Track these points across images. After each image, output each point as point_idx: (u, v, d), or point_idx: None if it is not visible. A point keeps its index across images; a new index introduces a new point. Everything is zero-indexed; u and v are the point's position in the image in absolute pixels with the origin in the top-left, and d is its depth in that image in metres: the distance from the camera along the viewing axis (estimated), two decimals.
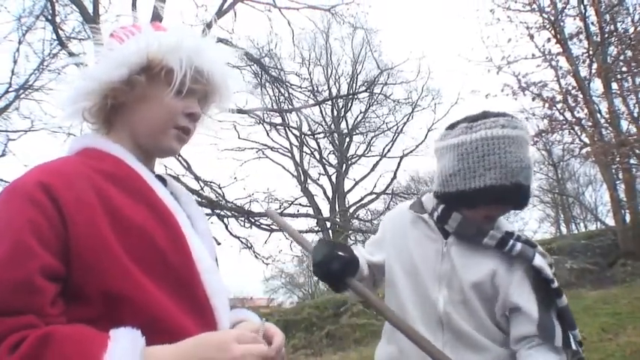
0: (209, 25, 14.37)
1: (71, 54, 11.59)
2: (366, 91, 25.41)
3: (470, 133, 1.40)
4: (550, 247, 9.91)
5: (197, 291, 0.95)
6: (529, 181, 1.40)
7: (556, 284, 1.38)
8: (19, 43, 22.11)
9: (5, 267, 0.78)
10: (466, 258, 1.44)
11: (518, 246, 1.41)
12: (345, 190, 30.79)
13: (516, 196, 1.41)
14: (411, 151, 29.72)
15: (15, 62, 23.09)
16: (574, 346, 1.36)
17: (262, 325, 0.98)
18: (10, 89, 24.89)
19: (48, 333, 0.76)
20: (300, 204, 31.05)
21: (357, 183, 30.81)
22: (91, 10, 12.50)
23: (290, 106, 17.66)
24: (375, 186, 30.50)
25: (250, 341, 0.88)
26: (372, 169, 30.32)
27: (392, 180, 30.07)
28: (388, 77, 28.50)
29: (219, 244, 13.63)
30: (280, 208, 13.76)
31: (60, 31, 14.00)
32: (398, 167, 30.02)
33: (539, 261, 1.37)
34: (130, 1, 12.79)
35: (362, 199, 31.24)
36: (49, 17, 10.45)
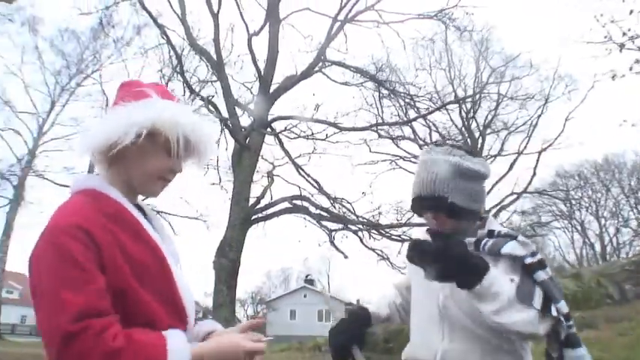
0: (321, 52, 15.07)
1: (202, 98, 12.95)
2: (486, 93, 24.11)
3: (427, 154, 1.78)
4: None
5: (176, 300, 1.29)
6: (437, 193, 1.62)
7: (533, 259, 1.52)
8: None
9: (82, 281, 1.08)
10: None
11: (489, 243, 1.59)
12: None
13: (436, 206, 1.65)
14: (550, 145, 28.09)
15: None
16: (554, 313, 1.46)
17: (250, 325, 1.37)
18: None
19: (130, 332, 1.09)
20: None
21: (495, 184, 29.60)
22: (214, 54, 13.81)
23: (417, 114, 17.61)
24: (515, 185, 29.18)
25: (251, 339, 1.25)
26: (510, 168, 28.97)
27: (532, 177, 28.54)
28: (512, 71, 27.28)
29: (346, 257, 14.10)
30: (403, 219, 13.71)
31: (193, 76, 15.69)
32: (537, 163, 28.52)
33: (508, 248, 1.52)
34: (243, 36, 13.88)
35: (502, 200, 30.08)
36: (178, 70, 11.73)
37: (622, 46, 10.11)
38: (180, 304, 1.29)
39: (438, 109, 16.98)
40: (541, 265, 1.53)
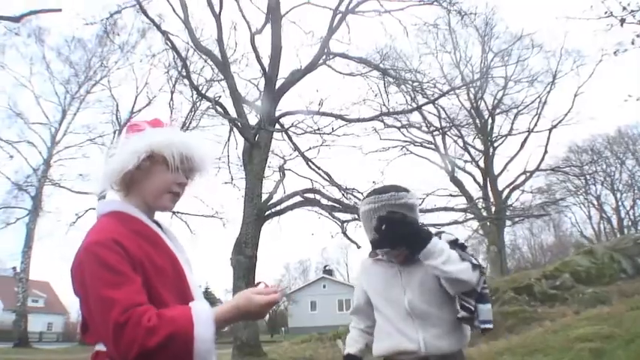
0: (324, 45, 15.18)
1: (209, 99, 13.15)
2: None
3: (362, 207, 2.20)
4: None
5: (188, 297, 1.49)
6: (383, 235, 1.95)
7: (462, 241, 2.09)
8: (172, 93, 25.19)
9: (123, 281, 1.31)
10: (412, 271, 2.14)
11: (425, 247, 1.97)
12: (496, 173, 29.68)
13: (387, 244, 2.03)
14: (560, 121, 27.90)
15: (171, 110, 26.26)
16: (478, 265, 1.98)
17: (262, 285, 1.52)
18: None
19: (161, 311, 1.29)
20: (450, 194, 30.77)
21: (507, 164, 29.53)
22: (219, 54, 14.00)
23: (425, 99, 17.61)
24: (527, 164, 29.11)
25: (264, 292, 1.44)
26: (521, 147, 28.85)
27: (543, 155, 28.41)
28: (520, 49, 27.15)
29: (358, 247, 14.29)
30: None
31: (200, 76, 15.88)
32: (548, 141, 28.44)
33: (432, 243, 1.91)
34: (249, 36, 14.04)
35: (515, 180, 29.93)
36: (184, 74, 11.93)
37: (622, 20, 10.11)
38: (192, 300, 1.50)
39: (444, 94, 16.99)
40: (464, 245, 2.09)
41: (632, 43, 9.88)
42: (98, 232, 1.41)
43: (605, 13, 10.18)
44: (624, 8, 9.95)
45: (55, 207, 36.96)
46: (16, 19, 10.53)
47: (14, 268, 31.45)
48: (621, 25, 10.02)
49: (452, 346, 2.06)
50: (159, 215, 1.65)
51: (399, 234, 1.90)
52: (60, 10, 10.30)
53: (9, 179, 28.02)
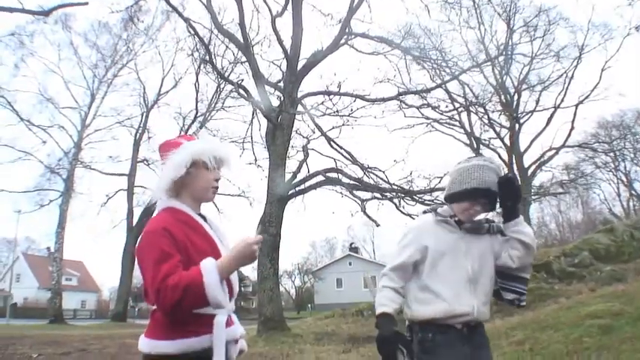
0: (344, 25, 15.22)
1: (232, 83, 13.43)
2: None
3: (465, 162, 2.40)
4: None
5: None
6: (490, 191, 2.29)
7: None
8: (197, 74, 25.55)
9: (166, 258, 1.71)
10: (472, 240, 2.35)
11: (494, 225, 2.38)
12: (522, 150, 29.42)
13: (485, 197, 2.29)
14: (586, 97, 27.41)
15: (197, 91, 26.63)
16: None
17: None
18: (198, 115, 28.78)
19: (180, 272, 1.68)
20: None
21: (533, 140, 29.20)
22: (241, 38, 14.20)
23: (450, 76, 17.55)
24: (553, 140, 28.77)
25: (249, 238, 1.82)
26: (547, 124, 28.47)
27: (570, 130, 27.99)
28: (549, 23, 26.63)
29: (378, 225, 14.57)
30: (430, 184, 13.95)
31: (223, 59, 16.10)
32: (574, 116, 27.96)
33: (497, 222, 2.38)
34: (270, 21, 14.20)
35: (542, 155, 29.58)
36: (207, 59, 12.19)
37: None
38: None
39: (465, 71, 16.92)
40: None
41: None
42: (154, 222, 1.86)
43: None
44: None
45: (86, 188, 37.91)
46: (45, 13, 10.92)
47: (48, 248, 32.70)
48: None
49: (488, 315, 2.34)
50: (205, 208, 2.10)
51: (518, 194, 2.30)
52: (87, 3, 10.58)
53: (42, 163, 29.11)
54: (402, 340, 2.21)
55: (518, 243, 2.29)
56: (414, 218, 15.90)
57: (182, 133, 26.57)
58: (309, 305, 46.84)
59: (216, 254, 1.86)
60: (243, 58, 16.28)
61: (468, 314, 2.22)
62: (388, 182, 14.96)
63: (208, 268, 1.68)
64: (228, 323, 1.89)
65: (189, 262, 1.76)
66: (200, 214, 2.02)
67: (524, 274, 2.38)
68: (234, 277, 1.97)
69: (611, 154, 33.47)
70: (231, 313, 1.96)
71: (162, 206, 1.98)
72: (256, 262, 13.62)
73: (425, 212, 2.53)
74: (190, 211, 1.96)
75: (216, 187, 2.04)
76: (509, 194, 2.30)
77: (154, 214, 1.97)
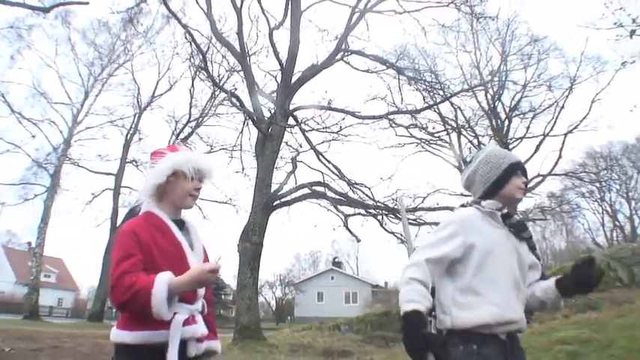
0: (341, 41, 15.43)
1: (226, 92, 13.57)
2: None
3: (481, 153, 2.27)
4: None
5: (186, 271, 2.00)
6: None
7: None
8: (192, 80, 25.67)
9: (128, 257, 1.89)
10: (516, 241, 2.13)
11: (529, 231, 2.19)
12: None
13: (522, 169, 2.17)
14: (575, 127, 27.79)
15: (192, 97, 26.71)
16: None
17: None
18: (190, 119, 28.83)
19: (138, 274, 1.85)
20: (462, 193, 30.68)
21: None
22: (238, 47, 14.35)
23: (442, 97, 17.77)
24: (540, 167, 29.09)
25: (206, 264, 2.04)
26: (536, 151, 28.77)
27: (557, 159, 28.34)
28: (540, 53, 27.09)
29: (358, 240, 14.66)
30: (414, 203, 14.11)
31: (220, 66, 16.23)
32: (563, 145, 28.22)
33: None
34: (267, 31, 14.36)
35: (528, 182, 29.30)
36: (203, 66, 12.31)
37: (632, 32, 10.28)
38: None
39: (456, 94, 17.17)
40: None
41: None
42: (127, 225, 2.03)
43: (615, 24, 10.36)
44: (633, 21, 10.13)
45: (72, 185, 37.78)
46: (46, 10, 11.00)
47: (29, 243, 32.36)
48: (630, 37, 10.20)
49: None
50: (188, 214, 2.27)
51: (597, 281, 2.15)
52: (87, 2, 10.66)
53: (30, 156, 28.82)
54: (436, 346, 1.83)
55: (538, 301, 2.12)
56: (397, 236, 16.07)
57: (174, 139, 26.89)
58: (289, 317, 46.58)
59: (181, 256, 2.05)
60: (239, 67, 16.48)
61: (516, 322, 1.98)
62: (373, 199, 15.10)
63: (160, 283, 1.83)
64: (190, 322, 1.99)
65: (153, 262, 1.94)
66: (180, 219, 2.19)
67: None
68: None
69: (597, 184, 33.92)
70: (196, 313, 2.06)
71: (144, 209, 2.15)
72: (237, 271, 13.66)
73: (463, 205, 2.23)
74: (164, 215, 2.12)
75: (196, 196, 2.19)
76: (589, 280, 2.09)
77: (136, 216, 2.15)
